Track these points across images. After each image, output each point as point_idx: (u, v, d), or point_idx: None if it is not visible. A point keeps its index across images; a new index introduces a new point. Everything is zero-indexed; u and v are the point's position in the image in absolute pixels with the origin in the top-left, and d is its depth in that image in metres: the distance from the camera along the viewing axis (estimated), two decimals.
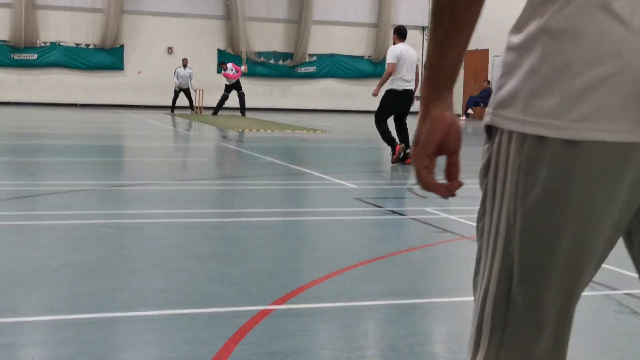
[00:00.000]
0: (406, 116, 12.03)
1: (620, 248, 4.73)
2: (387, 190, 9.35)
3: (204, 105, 28.03)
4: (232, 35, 31.43)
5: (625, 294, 4.65)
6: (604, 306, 4.42)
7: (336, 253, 5.66)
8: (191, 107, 27.41)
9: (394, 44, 12.04)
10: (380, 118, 12.07)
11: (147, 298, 4.28)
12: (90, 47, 30.30)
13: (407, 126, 11.94)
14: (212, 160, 12.64)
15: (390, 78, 11.82)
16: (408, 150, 11.39)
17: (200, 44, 31.26)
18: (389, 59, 11.81)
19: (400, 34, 12.03)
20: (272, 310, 4.11)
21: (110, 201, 7.85)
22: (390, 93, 11.96)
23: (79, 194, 8.06)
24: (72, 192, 8.12)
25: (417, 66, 11.99)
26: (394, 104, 11.90)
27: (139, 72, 29.20)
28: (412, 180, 9.93)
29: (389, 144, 11.90)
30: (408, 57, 11.84)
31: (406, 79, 11.79)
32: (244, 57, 28.22)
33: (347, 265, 5.20)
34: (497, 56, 28.93)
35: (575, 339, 3.83)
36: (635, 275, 5.22)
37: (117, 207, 7.40)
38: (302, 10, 31.83)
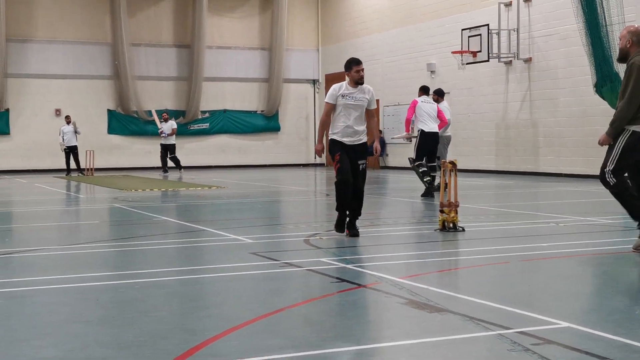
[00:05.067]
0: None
1: (515, 286, 4.79)
2: (282, 243, 9.32)
3: (95, 166, 27.53)
4: (121, 95, 31.08)
5: (518, 332, 4.73)
6: (498, 345, 4.49)
7: (233, 309, 5.59)
8: (78, 168, 26.87)
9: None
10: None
11: None
12: None
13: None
14: (103, 222, 12.36)
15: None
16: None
17: (89, 104, 30.78)
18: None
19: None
20: None
21: None
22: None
23: None
24: None
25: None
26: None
27: None
28: (308, 232, 9.95)
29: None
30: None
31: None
32: (154, 116, 28.49)
33: (244, 321, 5.13)
34: (387, 106, 29.55)
35: None
36: (527, 313, 5.32)
37: (3, 276, 7.12)
38: (192, 68, 31.81)
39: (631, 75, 7.64)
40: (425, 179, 15.22)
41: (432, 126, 15.41)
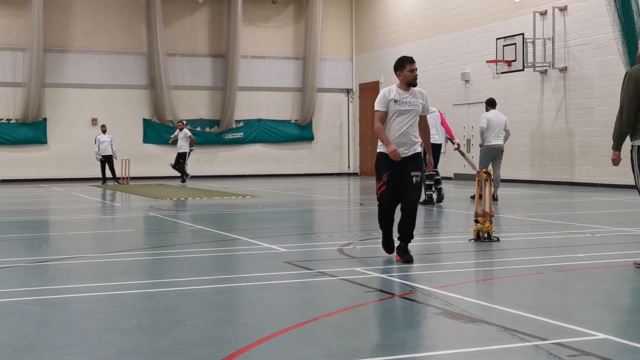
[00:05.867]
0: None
1: (551, 297, 4.76)
2: (316, 253, 9.33)
3: (131, 175, 27.75)
4: (157, 104, 31.34)
5: (554, 343, 4.69)
6: (534, 356, 4.45)
7: (267, 318, 5.60)
8: (114, 177, 27.03)
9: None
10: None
11: None
12: (11, 121, 29.85)
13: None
14: (139, 230, 12.46)
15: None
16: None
17: (125, 114, 31.08)
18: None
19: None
20: None
21: (34, 277, 7.64)
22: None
23: (0, 272, 7.83)
24: None
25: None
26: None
27: None
28: (342, 241, 9.94)
29: None
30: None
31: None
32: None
33: (279, 330, 5.14)
34: None
35: None
36: (564, 324, 5.27)
37: (41, 283, 7.21)
38: (226, 77, 31.99)
39: (622, 84, 7.69)
40: (427, 191, 15.93)
41: (435, 138, 15.79)
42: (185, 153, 26.00)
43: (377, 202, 8.27)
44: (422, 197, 16.02)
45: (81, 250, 9.49)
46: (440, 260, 8.66)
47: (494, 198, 16.25)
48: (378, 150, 8.19)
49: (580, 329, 5.05)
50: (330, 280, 7.12)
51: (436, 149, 15.90)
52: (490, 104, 17.04)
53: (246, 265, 8.47)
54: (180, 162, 26.02)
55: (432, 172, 15.89)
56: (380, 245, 8.58)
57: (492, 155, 16.70)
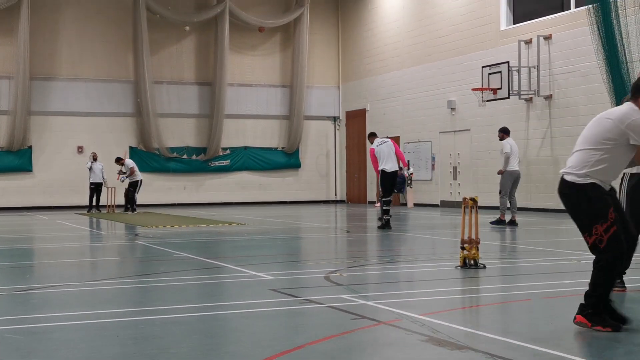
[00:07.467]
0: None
1: (537, 324, 4.72)
2: (302, 280, 9.29)
3: (117, 203, 27.62)
4: (143, 132, 31.30)
5: None
6: None
7: (252, 346, 5.56)
8: (97, 205, 26.82)
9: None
10: None
11: None
12: None
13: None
14: (124, 258, 12.39)
15: None
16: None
17: (111, 142, 31.00)
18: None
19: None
20: None
21: (18, 306, 7.57)
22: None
23: None
24: None
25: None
26: None
27: None
28: (329, 268, 9.91)
29: None
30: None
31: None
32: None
33: (264, 357, 5.10)
34: (408, 143, 29.55)
35: None
36: (550, 351, 5.23)
37: (24, 312, 7.14)
38: (213, 105, 32.01)
39: None
40: (384, 216, 16.60)
41: (391, 166, 16.74)
42: (136, 182, 25.93)
43: (599, 258, 5.91)
44: (380, 222, 16.95)
45: (65, 279, 9.42)
46: (427, 287, 8.64)
47: (514, 223, 17.31)
48: (585, 182, 6.03)
49: (566, 355, 5.04)
50: (316, 308, 7.08)
51: (394, 175, 16.83)
52: (506, 131, 17.80)
53: (232, 292, 8.42)
54: (131, 190, 26.03)
55: (388, 199, 16.76)
56: (367, 273, 8.56)
57: (513, 179, 17.56)
